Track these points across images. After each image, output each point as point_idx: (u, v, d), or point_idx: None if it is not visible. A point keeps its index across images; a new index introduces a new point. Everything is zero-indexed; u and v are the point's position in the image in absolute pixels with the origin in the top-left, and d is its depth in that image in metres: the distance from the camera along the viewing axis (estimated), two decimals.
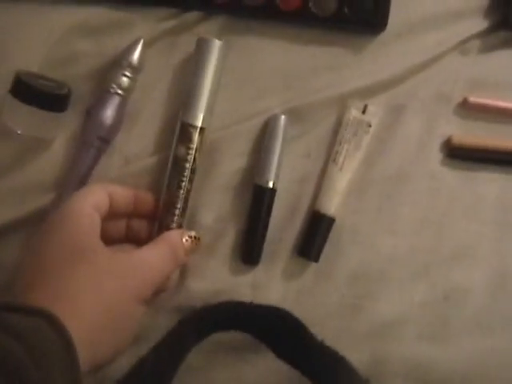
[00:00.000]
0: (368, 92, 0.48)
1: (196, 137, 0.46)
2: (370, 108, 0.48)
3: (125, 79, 0.48)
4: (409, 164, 0.47)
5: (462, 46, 0.48)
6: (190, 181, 0.46)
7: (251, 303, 0.45)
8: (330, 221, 0.48)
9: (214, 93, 0.46)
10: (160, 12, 0.49)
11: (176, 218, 0.46)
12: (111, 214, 0.42)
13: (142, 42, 0.48)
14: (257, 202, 0.48)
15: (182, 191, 0.46)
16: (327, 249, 0.47)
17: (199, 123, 0.46)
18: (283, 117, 0.47)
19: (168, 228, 0.45)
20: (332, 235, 0.48)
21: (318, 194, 0.48)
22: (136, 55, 0.48)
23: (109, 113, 0.48)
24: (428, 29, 0.48)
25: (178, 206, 0.46)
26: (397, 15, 0.48)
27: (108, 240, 0.40)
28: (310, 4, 0.48)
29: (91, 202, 0.40)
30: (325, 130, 0.48)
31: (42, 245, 0.38)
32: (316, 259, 0.48)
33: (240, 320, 0.44)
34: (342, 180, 0.48)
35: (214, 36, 0.47)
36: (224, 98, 0.48)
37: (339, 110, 0.48)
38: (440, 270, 0.47)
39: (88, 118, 0.49)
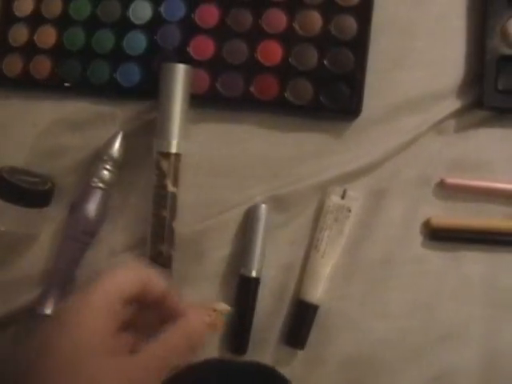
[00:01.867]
0: (348, 177, 0.48)
1: (166, 163, 0.46)
2: (350, 193, 0.48)
3: (106, 172, 0.49)
4: (392, 248, 0.47)
5: (438, 127, 0.48)
6: (169, 209, 0.47)
7: (235, 361, 0.44)
8: (314, 308, 0.47)
9: (184, 117, 0.47)
10: (142, 104, 0.50)
11: (164, 245, 0.47)
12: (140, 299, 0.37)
13: (121, 135, 0.49)
14: (242, 292, 0.48)
15: (162, 220, 0.47)
16: (315, 335, 0.47)
17: (169, 149, 0.46)
18: (264, 205, 0.48)
19: (157, 254, 0.46)
20: (319, 321, 0.47)
21: (302, 282, 0.48)
22: (115, 149, 0.49)
23: (91, 207, 0.49)
24: (404, 112, 0.48)
25: (165, 232, 0.47)
26: (373, 100, 0.48)
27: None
28: (287, 93, 0.48)
29: (112, 289, 0.35)
30: (307, 217, 0.48)
31: (42, 348, 0.34)
32: (301, 347, 0.48)
33: (225, 377, 0.43)
34: (324, 266, 0.48)
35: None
36: (209, 186, 0.49)
37: (321, 197, 0.48)
38: (430, 351, 0.47)
39: (71, 212, 0.49)
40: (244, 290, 0.48)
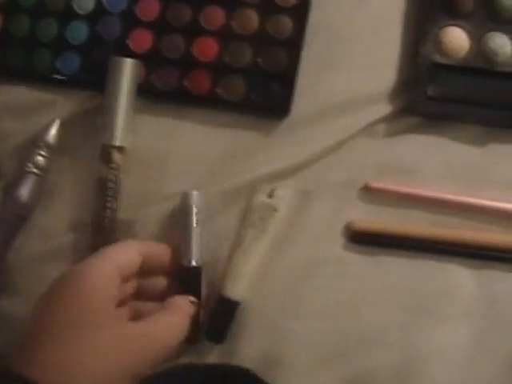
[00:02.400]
0: (277, 176, 0.48)
1: (115, 156, 0.47)
2: (277, 192, 0.48)
3: (40, 158, 0.50)
4: (314, 249, 0.48)
5: (367, 131, 0.48)
6: (115, 200, 0.48)
7: (210, 365, 0.45)
8: (235, 305, 0.48)
9: (131, 111, 0.48)
10: (82, 93, 0.51)
11: (107, 234, 0.48)
12: (145, 271, 0.42)
13: (57, 122, 0.50)
14: (184, 283, 0.47)
15: (108, 211, 0.47)
16: (235, 331, 0.48)
17: (117, 142, 0.47)
18: (196, 193, 0.47)
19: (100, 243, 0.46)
20: (240, 318, 0.48)
21: (224, 278, 0.48)
22: (51, 135, 0.50)
23: (24, 191, 0.50)
24: (335, 113, 0.48)
25: (109, 222, 0.48)
26: (305, 100, 0.48)
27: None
28: (219, 89, 0.49)
29: (115, 262, 0.40)
30: (235, 214, 0.49)
31: (48, 304, 0.38)
32: (220, 342, 0.48)
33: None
34: (246, 264, 0.48)
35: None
36: (141, 178, 0.50)
37: (249, 195, 0.49)
38: (347, 354, 0.47)
39: (5, 196, 0.50)
40: (186, 281, 0.47)
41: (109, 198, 0.47)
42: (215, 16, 0.49)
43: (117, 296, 0.39)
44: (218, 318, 0.48)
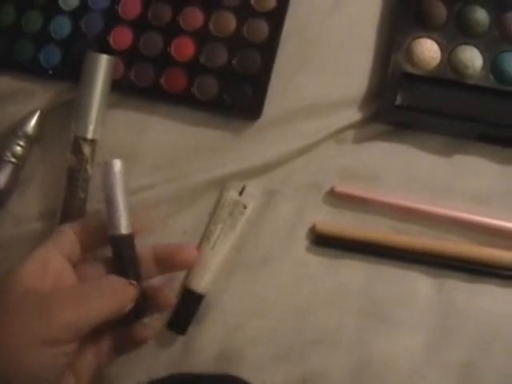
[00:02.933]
0: (245, 175, 0.49)
1: (86, 148, 0.49)
2: (248, 190, 0.49)
3: (18, 148, 0.51)
4: (276, 248, 0.49)
5: (337, 136, 0.49)
6: (84, 190, 0.49)
7: (201, 374, 0.46)
8: (198, 297, 0.49)
9: (104, 105, 0.49)
10: (61, 85, 0.52)
11: None
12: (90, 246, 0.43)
13: (38, 113, 0.51)
14: (117, 254, 0.43)
15: (76, 200, 0.49)
16: (197, 324, 0.49)
17: (89, 135, 0.48)
18: (117, 161, 0.42)
19: None
20: (201, 312, 0.49)
21: (190, 271, 0.49)
22: (31, 126, 0.51)
23: (1, 179, 0.51)
24: (305, 117, 0.49)
25: (78, 212, 0.49)
26: (276, 102, 0.50)
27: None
28: (193, 88, 0.50)
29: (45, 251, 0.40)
30: (202, 209, 0.50)
31: None
32: (182, 333, 0.49)
33: None
34: (213, 258, 0.49)
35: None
36: None
37: (218, 191, 0.50)
38: (300, 354, 0.48)
39: None
40: (119, 252, 0.42)
41: (78, 188, 0.48)
42: (194, 17, 0.51)
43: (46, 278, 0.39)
44: (182, 309, 0.49)
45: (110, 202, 0.42)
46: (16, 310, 0.36)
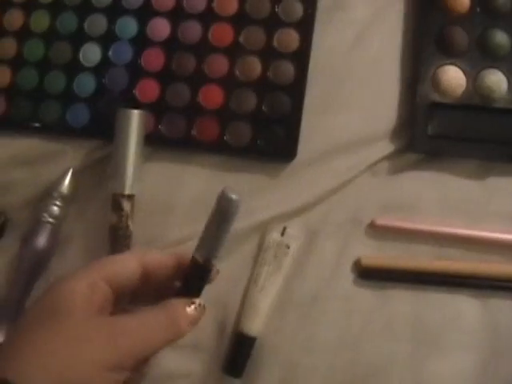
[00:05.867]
0: (285, 217, 0.50)
1: (125, 204, 0.49)
2: (289, 230, 0.50)
3: (55, 208, 0.51)
4: (324, 285, 0.49)
5: (371, 170, 0.50)
6: (126, 246, 0.49)
7: None
8: (252, 340, 0.50)
9: (139, 160, 0.49)
10: (90, 143, 0.53)
11: None
12: (149, 280, 0.41)
13: (70, 172, 0.52)
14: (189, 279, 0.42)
15: None
16: (252, 366, 0.50)
17: (127, 191, 0.49)
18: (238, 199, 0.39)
19: None
20: (255, 354, 0.50)
21: (241, 315, 0.50)
22: (65, 185, 0.51)
23: (41, 241, 0.51)
24: (338, 154, 0.50)
25: None
26: (309, 143, 0.50)
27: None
28: (226, 136, 0.50)
29: (101, 274, 0.38)
30: (246, 253, 0.51)
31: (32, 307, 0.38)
32: (239, 376, 0.50)
33: None
34: (262, 301, 0.50)
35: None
36: (152, 224, 0.51)
37: (259, 235, 0.50)
38: None
39: (23, 246, 0.52)
40: (192, 278, 0.41)
41: (120, 245, 0.49)
42: (219, 64, 0.51)
43: (99, 302, 0.38)
44: (236, 353, 0.50)
45: (212, 232, 0.40)
46: (83, 335, 0.36)
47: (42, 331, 0.36)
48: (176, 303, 0.39)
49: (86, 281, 0.38)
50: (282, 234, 0.50)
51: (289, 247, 0.50)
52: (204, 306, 0.40)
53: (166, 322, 0.38)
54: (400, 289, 0.49)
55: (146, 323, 0.38)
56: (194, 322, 0.40)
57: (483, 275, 0.49)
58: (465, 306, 0.49)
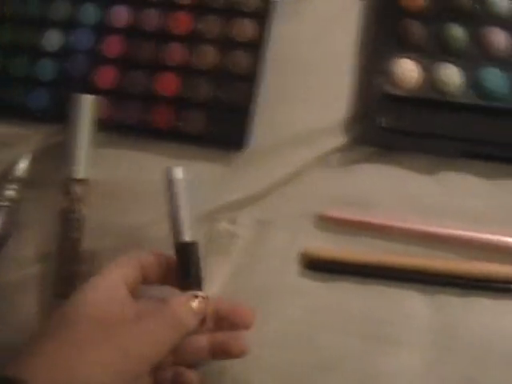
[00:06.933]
0: (236, 206, 0.50)
1: (76, 188, 0.50)
2: (239, 220, 0.50)
3: (12, 192, 0.52)
4: (272, 277, 0.49)
5: (323, 162, 0.50)
6: (78, 230, 0.50)
7: None
8: None
9: (91, 145, 0.50)
10: (50, 127, 0.53)
11: (73, 265, 0.49)
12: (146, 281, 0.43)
13: (29, 156, 0.52)
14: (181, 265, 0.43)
15: (71, 241, 0.49)
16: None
17: (78, 175, 0.49)
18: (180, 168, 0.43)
19: (67, 274, 0.49)
20: None
21: None
22: (21, 169, 0.52)
23: None
24: (292, 145, 0.50)
25: (75, 253, 0.49)
26: (263, 132, 0.50)
27: None
28: (180, 123, 0.51)
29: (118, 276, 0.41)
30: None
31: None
32: None
33: None
34: (211, 290, 0.50)
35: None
36: (104, 210, 0.51)
37: (210, 224, 0.50)
38: (307, 380, 0.48)
39: None
40: (182, 261, 0.43)
41: (71, 229, 0.49)
42: (176, 52, 0.51)
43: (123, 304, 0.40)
44: None
45: (173, 210, 0.42)
46: (90, 340, 0.36)
47: (53, 339, 0.37)
48: (179, 300, 0.40)
49: (107, 288, 0.40)
50: (232, 223, 0.50)
51: (238, 237, 0.50)
52: (207, 297, 0.41)
53: (173, 322, 0.39)
54: (348, 282, 0.49)
55: (152, 327, 0.38)
56: (200, 314, 0.40)
57: (433, 271, 0.48)
58: (414, 302, 0.48)
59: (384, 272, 0.48)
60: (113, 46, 0.52)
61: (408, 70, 0.49)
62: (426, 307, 0.48)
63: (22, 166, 0.52)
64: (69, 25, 0.53)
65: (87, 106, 0.49)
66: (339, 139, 0.50)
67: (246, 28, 0.51)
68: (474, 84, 0.48)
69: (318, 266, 0.49)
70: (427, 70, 0.49)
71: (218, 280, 0.49)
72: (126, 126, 0.51)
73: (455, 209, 0.49)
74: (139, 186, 0.52)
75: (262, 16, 0.51)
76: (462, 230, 0.48)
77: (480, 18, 0.49)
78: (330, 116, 0.50)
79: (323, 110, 0.50)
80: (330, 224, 0.49)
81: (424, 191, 0.49)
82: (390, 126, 0.49)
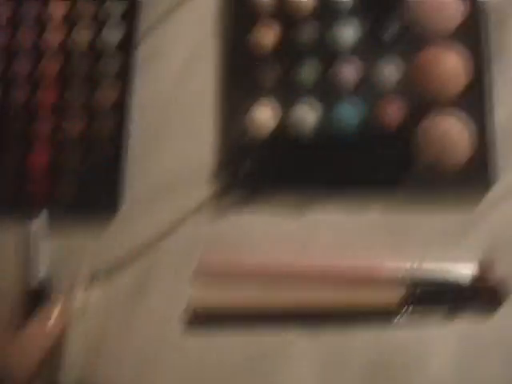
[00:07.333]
0: (114, 267, 0.51)
1: None
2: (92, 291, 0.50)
3: None
4: (156, 334, 0.50)
5: (196, 212, 0.51)
6: None
7: None
8: None
9: None
10: None
11: None
12: None
13: None
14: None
15: None
16: None
17: None
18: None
19: None
20: None
21: None
22: None
23: None
24: (162, 201, 0.51)
25: None
26: (133, 192, 0.52)
27: None
28: (56, 193, 0.52)
29: None
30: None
31: None
32: None
33: None
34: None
35: None
36: None
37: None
38: None
39: None
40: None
41: None
42: (44, 125, 0.53)
43: None
44: None
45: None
46: None
47: None
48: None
49: None
50: (88, 290, 0.50)
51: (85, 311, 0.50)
52: None
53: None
54: (233, 331, 0.49)
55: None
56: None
57: (313, 308, 0.49)
58: (296, 339, 0.49)
59: (264, 315, 0.49)
60: None
61: (263, 114, 0.50)
62: (307, 345, 0.49)
63: None
64: None
65: None
66: (208, 188, 0.51)
67: (108, 93, 0.52)
68: (328, 121, 0.49)
69: (202, 320, 0.49)
70: (282, 111, 0.50)
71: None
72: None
73: (324, 244, 0.49)
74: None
75: (121, 79, 0.52)
76: (335, 263, 0.49)
77: (328, 57, 0.50)
78: (196, 165, 0.52)
79: (191, 157, 0.52)
80: (209, 273, 0.50)
81: (293, 231, 0.50)
82: (252, 171, 0.50)
